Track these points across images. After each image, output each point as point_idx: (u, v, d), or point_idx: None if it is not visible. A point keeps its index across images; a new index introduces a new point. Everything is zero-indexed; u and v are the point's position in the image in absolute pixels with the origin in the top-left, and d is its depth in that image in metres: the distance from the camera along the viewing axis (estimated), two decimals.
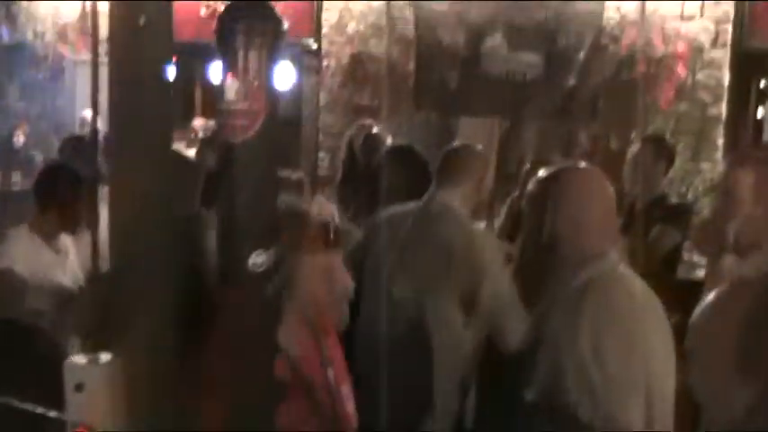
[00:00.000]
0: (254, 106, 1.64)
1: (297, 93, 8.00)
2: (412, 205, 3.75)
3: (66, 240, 3.89)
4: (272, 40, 1.67)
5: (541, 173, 2.60)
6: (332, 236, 2.21)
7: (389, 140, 5.29)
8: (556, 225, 2.43)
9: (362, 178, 5.02)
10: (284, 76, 7.03)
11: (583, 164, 2.86)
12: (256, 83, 1.66)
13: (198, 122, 8.22)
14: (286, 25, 1.65)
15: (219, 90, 1.68)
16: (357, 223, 4.26)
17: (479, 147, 4.04)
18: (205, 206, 3.16)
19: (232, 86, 1.66)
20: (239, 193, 1.71)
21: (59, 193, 3.74)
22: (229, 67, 1.67)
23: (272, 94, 1.73)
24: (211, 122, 7.56)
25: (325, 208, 2.33)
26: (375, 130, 5.57)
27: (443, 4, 7.74)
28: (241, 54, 1.68)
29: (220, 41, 1.69)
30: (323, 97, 8.35)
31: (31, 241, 3.74)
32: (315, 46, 8.37)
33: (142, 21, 1.94)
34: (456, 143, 4.26)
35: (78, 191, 3.66)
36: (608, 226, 2.52)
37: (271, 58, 1.68)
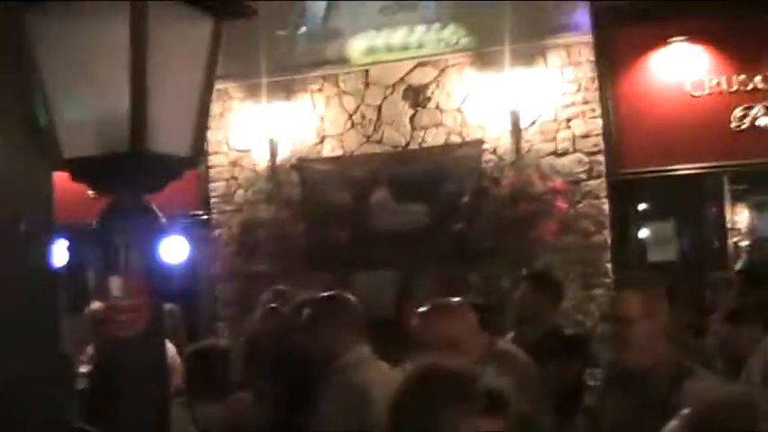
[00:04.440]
0: (137, 302, 1.72)
1: (190, 266, 8.04)
2: None
3: None
4: (152, 235, 1.78)
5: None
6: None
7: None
8: None
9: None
10: (176, 249, 7.14)
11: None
12: (140, 278, 1.76)
13: (95, 305, 7.97)
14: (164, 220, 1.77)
15: (103, 285, 1.77)
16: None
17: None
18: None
19: (115, 282, 1.74)
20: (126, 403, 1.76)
21: None
22: (111, 264, 1.77)
23: (157, 288, 1.83)
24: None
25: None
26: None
27: (327, 163, 8.04)
28: (122, 252, 1.78)
29: (101, 240, 1.79)
30: (217, 268, 8.44)
31: None
32: (205, 216, 8.50)
33: (23, 227, 2.05)
34: None
35: None
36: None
37: (154, 251, 1.79)
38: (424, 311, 3.47)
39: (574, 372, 4.92)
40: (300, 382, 3.96)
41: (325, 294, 3.76)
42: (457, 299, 3.71)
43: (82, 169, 1.88)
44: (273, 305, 6.07)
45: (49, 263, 2.05)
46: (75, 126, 1.84)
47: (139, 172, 1.80)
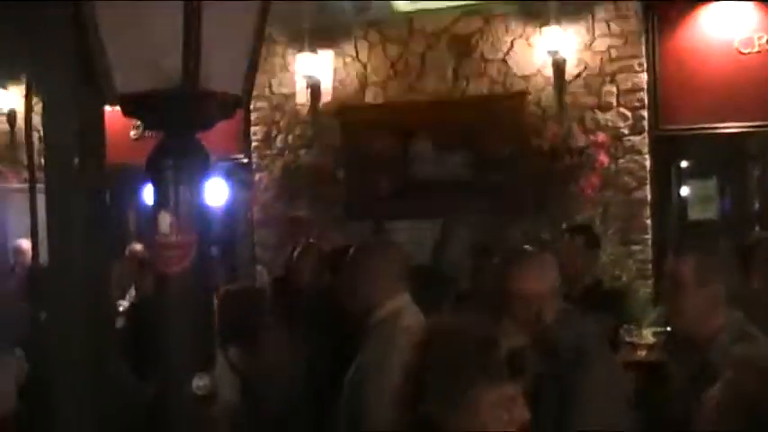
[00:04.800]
0: (186, 239, 1.75)
1: (230, 209, 8.14)
2: None
3: None
4: (201, 174, 1.80)
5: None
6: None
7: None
8: None
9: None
10: (217, 192, 7.22)
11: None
12: (188, 216, 1.78)
13: (137, 247, 8.06)
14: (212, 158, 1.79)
15: (152, 221, 1.79)
16: None
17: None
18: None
19: (165, 219, 1.76)
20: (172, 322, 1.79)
21: None
22: (161, 201, 1.79)
23: (204, 224, 1.86)
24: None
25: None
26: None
27: (368, 111, 8.02)
28: (172, 189, 1.80)
29: (151, 177, 1.81)
30: (256, 212, 8.51)
31: None
32: (245, 160, 8.55)
33: (76, 161, 2.08)
34: None
35: None
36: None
37: (201, 191, 1.82)
38: (511, 261, 3.10)
39: (611, 327, 4.96)
40: (339, 330, 3.96)
41: (368, 241, 3.70)
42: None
43: (135, 105, 1.89)
44: (312, 240, 6.13)
45: (102, 200, 2.07)
46: (130, 61, 1.85)
47: (192, 109, 1.81)
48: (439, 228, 7.10)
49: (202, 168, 1.92)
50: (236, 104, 1.94)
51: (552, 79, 7.51)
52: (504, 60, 7.69)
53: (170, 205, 1.88)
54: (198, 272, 1.87)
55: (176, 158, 1.88)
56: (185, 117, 1.85)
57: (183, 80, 1.78)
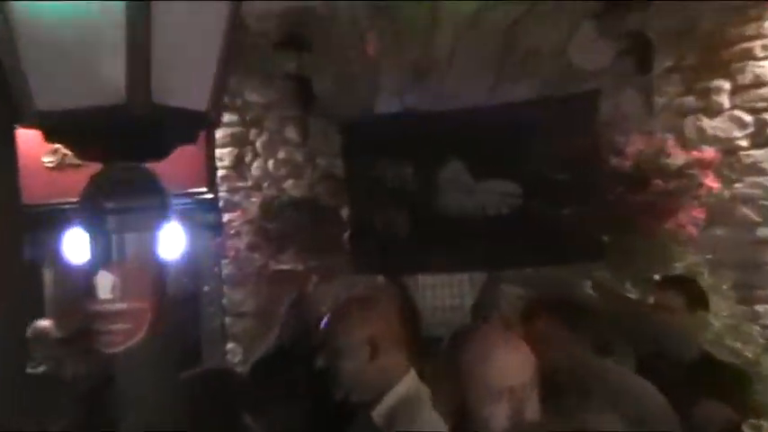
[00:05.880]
0: (137, 305, 1.79)
1: (189, 263, 8.17)
2: None
3: None
4: (155, 217, 1.85)
5: None
6: None
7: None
8: None
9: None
10: (170, 240, 7.28)
11: None
12: (139, 274, 1.82)
13: (43, 323, 7.83)
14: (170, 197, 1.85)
15: (85, 283, 1.83)
16: None
17: None
18: None
19: (105, 279, 1.80)
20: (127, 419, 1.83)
21: None
22: (99, 254, 1.83)
23: (161, 285, 1.90)
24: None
25: None
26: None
27: (380, 122, 8.05)
28: (114, 239, 1.85)
29: (85, 221, 1.85)
30: (226, 267, 8.59)
31: None
32: (209, 195, 8.59)
33: None
34: None
35: None
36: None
37: (155, 239, 1.87)
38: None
39: (728, 420, 4.93)
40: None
41: (357, 295, 3.73)
42: None
43: (61, 126, 1.92)
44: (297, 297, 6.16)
45: (17, 250, 2.15)
46: (55, 68, 1.89)
47: (140, 131, 1.87)
48: (477, 285, 7.10)
49: (157, 210, 1.97)
50: (201, 124, 2.00)
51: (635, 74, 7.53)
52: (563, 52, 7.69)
53: (112, 260, 1.93)
54: (155, 351, 1.93)
55: (120, 197, 1.93)
56: (132, 142, 1.91)
57: (128, 94, 1.83)
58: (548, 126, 7.54)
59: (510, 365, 3.03)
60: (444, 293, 7.43)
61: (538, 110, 7.63)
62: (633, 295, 6.86)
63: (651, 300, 6.01)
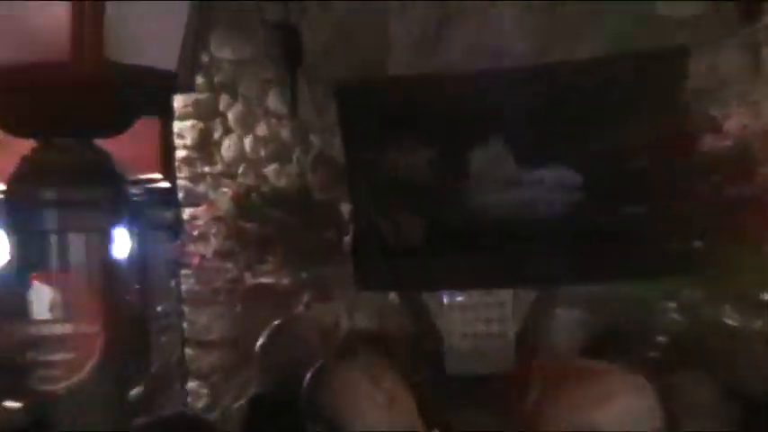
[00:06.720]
0: (85, 327, 1.77)
1: (141, 275, 8.18)
2: None
3: None
4: (111, 212, 1.82)
5: None
6: None
7: None
8: None
9: None
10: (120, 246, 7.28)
11: None
12: (87, 287, 1.80)
13: None
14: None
15: (17, 300, 1.81)
16: None
17: None
18: None
19: (41, 294, 1.78)
20: None
21: None
22: (33, 261, 1.81)
23: (115, 302, 1.88)
24: None
25: None
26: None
27: (391, 88, 8.07)
28: (54, 240, 1.83)
29: (12, 217, 1.83)
30: (187, 279, 8.59)
31: None
32: (165, 184, 8.59)
33: None
34: None
35: None
36: None
37: (109, 242, 1.84)
38: None
39: None
40: None
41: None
42: None
43: None
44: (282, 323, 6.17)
45: None
46: None
47: (89, 95, 1.85)
48: (523, 306, 7.14)
49: (110, 203, 1.96)
50: (170, 88, 1.98)
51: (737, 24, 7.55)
52: None
53: (51, 269, 1.92)
54: (105, 390, 1.92)
55: (62, 186, 1.92)
56: (78, 112, 1.89)
57: (72, 47, 1.81)
58: (619, 95, 7.53)
59: None
60: (478, 317, 7.43)
61: (606, 73, 7.61)
62: (733, 321, 6.87)
63: (758, 326, 6.03)
